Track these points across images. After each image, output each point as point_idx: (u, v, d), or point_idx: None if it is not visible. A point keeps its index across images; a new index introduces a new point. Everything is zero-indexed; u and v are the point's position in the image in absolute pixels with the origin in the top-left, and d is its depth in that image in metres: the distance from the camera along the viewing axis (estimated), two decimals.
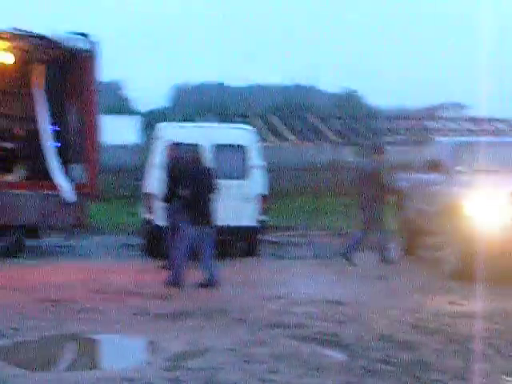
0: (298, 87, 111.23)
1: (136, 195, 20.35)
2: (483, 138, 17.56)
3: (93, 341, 8.33)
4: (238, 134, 14.91)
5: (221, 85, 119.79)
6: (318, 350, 7.59)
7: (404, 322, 8.79)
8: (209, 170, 12.01)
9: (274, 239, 17.05)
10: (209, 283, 11.19)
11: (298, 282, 12.15)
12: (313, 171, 27.81)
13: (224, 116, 34.25)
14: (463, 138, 19.74)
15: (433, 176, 13.71)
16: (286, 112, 46.43)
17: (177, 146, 13.43)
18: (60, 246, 16.13)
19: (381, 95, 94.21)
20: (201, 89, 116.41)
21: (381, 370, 6.69)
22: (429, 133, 33.48)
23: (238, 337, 8.00)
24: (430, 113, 44.05)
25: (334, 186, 26.61)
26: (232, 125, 15.88)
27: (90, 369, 7.19)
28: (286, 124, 31.46)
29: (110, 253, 15.61)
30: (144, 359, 7.52)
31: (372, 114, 50.97)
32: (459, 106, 50.98)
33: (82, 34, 14.13)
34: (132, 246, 16.71)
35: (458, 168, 12.92)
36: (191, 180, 11.72)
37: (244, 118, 35.84)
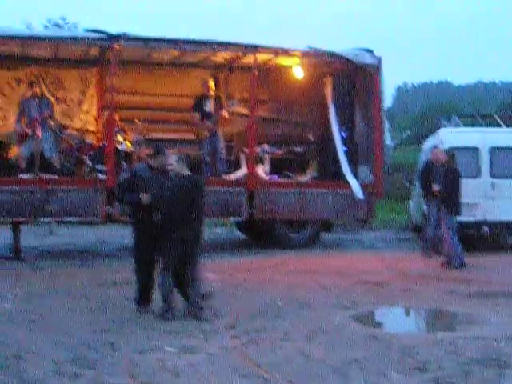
0: None
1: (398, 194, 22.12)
2: None
3: (422, 311, 9.90)
4: None
5: (444, 83, 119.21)
6: None
7: None
8: (457, 170, 13.36)
9: None
10: (461, 265, 12.96)
11: None
12: None
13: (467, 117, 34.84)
14: None
15: None
16: None
17: (436, 148, 15.03)
18: (344, 239, 18.07)
19: None
20: (424, 88, 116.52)
21: None
22: None
23: None
24: None
25: None
26: (507, 129, 17.09)
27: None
28: None
29: (388, 245, 17.36)
30: (480, 326, 8.62)
31: None
32: None
33: (368, 50, 15.86)
34: (403, 239, 18.39)
35: None
36: (443, 178, 13.39)
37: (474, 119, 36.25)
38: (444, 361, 6.71)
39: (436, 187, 13.67)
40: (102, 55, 15.52)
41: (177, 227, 8.61)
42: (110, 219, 14.40)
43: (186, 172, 8.88)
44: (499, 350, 7.09)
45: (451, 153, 13.53)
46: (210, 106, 16.01)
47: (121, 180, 9.09)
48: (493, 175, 15.48)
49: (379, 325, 9.30)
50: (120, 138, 15.37)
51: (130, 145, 15.42)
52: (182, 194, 8.70)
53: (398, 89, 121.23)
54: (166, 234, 8.66)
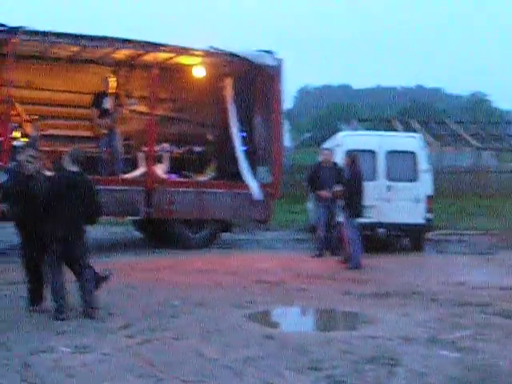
0: (422, 89, 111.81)
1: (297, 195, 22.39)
2: None
3: (318, 311, 10.02)
4: (409, 141, 16.57)
5: (344, 86, 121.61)
6: (507, 321, 8.91)
7: None
8: (359, 172, 13.71)
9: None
10: (357, 267, 13.22)
11: (469, 272, 13.59)
12: (454, 174, 28.95)
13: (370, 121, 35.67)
14: None
15: None
16: (418, 115, 47.61)
17: (325, 150, 15.44)
18: (242, 240, 18.16)
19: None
20: (325, 90, 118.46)
21: None
22: None
23: (437, 311, 9.49)
24: None
25: (475, 189, 28.05)
26: (403, 133, 17.60)
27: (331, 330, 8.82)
28: (426, 128, 32.52)
29: (285, 245, 17.55)
30: (374, 326, 8.80)
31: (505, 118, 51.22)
32: None
33: (268, 52, 15.96)
34: (300, 240, 18.61)
35: None
36: (346, 181, 13.76)
37: (372, 122, 37.25)
38: (337, 360, 6.81)
39: (338, 187, 13.90)
40: None
41: (56, 225, 8.47)
42: (3, 217, 13.97)
43: (71, 168, 8.72)
44: (391, 349, 7.25)
45: (354, 155, 13.76)
46: (108, 103, 15.85)
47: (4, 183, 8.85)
48: (389, 178, 15.83)
49: (275, 324, 9.36)
50: (17, 133, 14.99)
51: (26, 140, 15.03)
52: (59, 190, 8.56)
53: (300, 90, 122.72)
54: (46, 231, 8.52)
